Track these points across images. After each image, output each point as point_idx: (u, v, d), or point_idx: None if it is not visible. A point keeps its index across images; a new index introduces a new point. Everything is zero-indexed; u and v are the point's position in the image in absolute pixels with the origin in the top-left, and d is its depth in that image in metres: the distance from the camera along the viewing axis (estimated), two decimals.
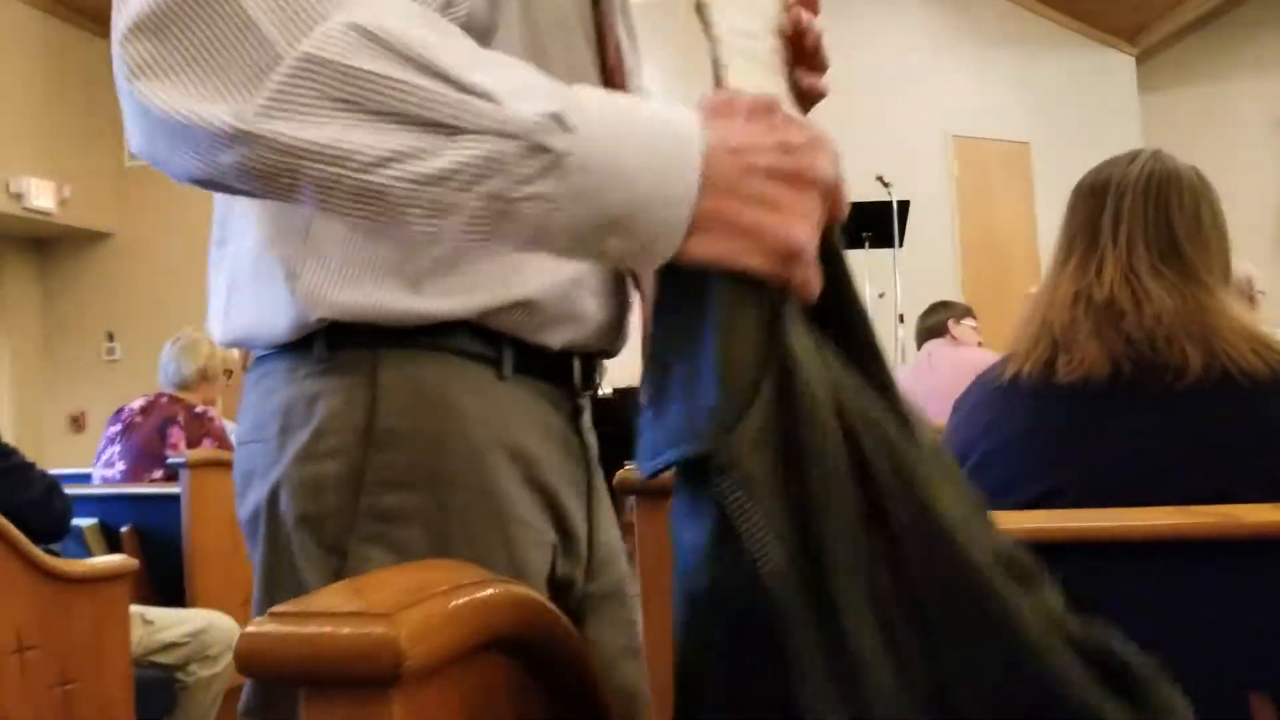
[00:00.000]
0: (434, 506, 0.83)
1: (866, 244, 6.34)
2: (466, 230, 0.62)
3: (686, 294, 0.63)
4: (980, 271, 7.77)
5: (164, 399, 3.46)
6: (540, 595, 0.52)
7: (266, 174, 0.62)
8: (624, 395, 6.56)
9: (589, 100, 0.63)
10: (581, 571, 1.00)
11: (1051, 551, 1.15)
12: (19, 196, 6.99)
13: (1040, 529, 1.14)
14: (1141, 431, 1.24)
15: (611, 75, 0.99)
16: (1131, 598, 1.14)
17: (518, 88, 0.62)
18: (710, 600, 0.56)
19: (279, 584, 0.84)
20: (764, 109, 0.66)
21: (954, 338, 4.18)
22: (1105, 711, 0.57)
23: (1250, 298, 3.50)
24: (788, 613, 0.53)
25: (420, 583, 0.45)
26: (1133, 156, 1.38)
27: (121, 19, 0.63)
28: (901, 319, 6.45)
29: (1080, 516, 1.15)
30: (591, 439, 1.02)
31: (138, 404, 3.49)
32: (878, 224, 6.28)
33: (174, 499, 2.90)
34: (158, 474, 3.31)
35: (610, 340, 1.01)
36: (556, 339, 0.92)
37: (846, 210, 0.67)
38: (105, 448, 3.47)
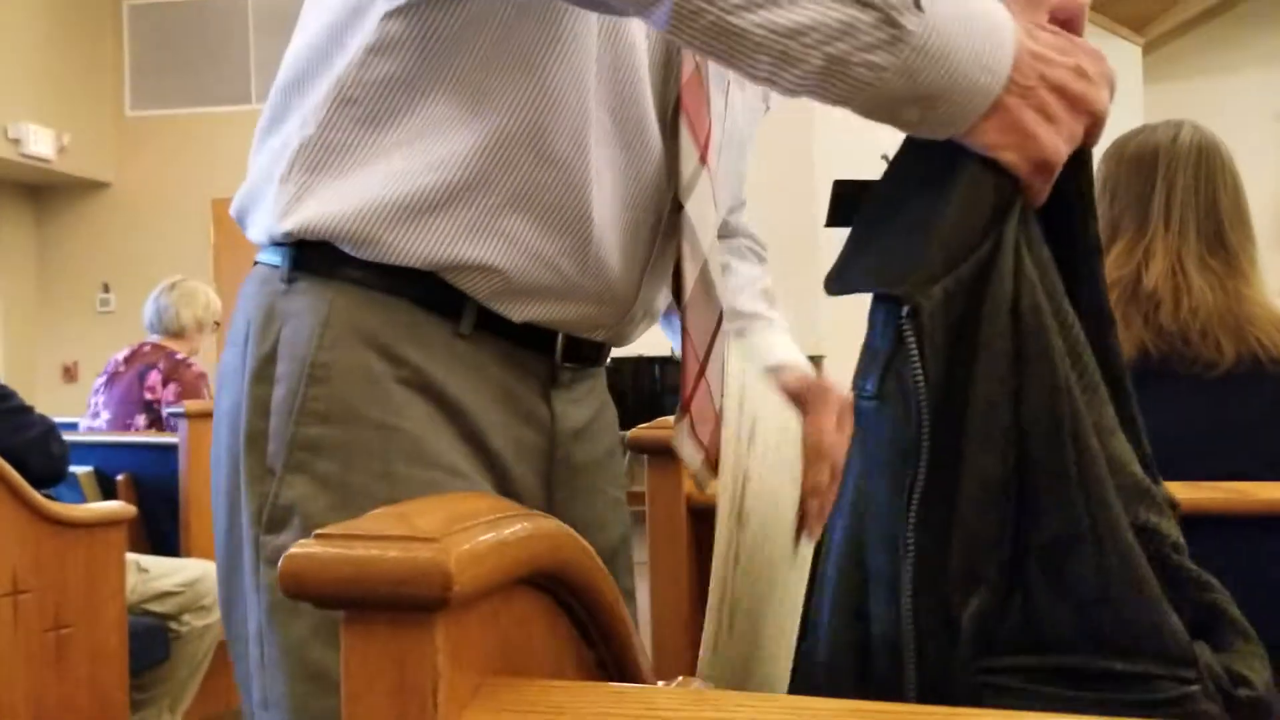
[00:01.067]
0: (356, 443, 0.84)
1: None
2: (798, 81, 0.67)
3: (937, 156, 0.68)
4: None
5: (146, 347, 3.45)
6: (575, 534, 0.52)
7: None
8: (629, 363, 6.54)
9: None
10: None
11: None
12: (17, 142, 6.94)
13: None
14: (1163, 415, 1.23)
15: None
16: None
17: None
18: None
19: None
20: (1075, 16, 0.71)
21: None
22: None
23: None
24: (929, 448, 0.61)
25: (466, 511, 0.44)
26: (1174, 129, 1.35)
27: None
28: None
29: None
30: (574, 412, 0.98)
31: (122, 354, 3.48)
32: None
33: (171, 448, 2.89)
34: (140, 420, 3.30)
35: (604, 331, 0.99)
36: (517, 313, 0.91)
37: (1099, 138, 0.71)
38: (92, 399, 3.47)
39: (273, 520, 0.84)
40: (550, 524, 0.49)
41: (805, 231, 7.17)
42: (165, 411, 3.18)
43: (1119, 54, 8.47)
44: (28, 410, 2.24)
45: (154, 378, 3.35)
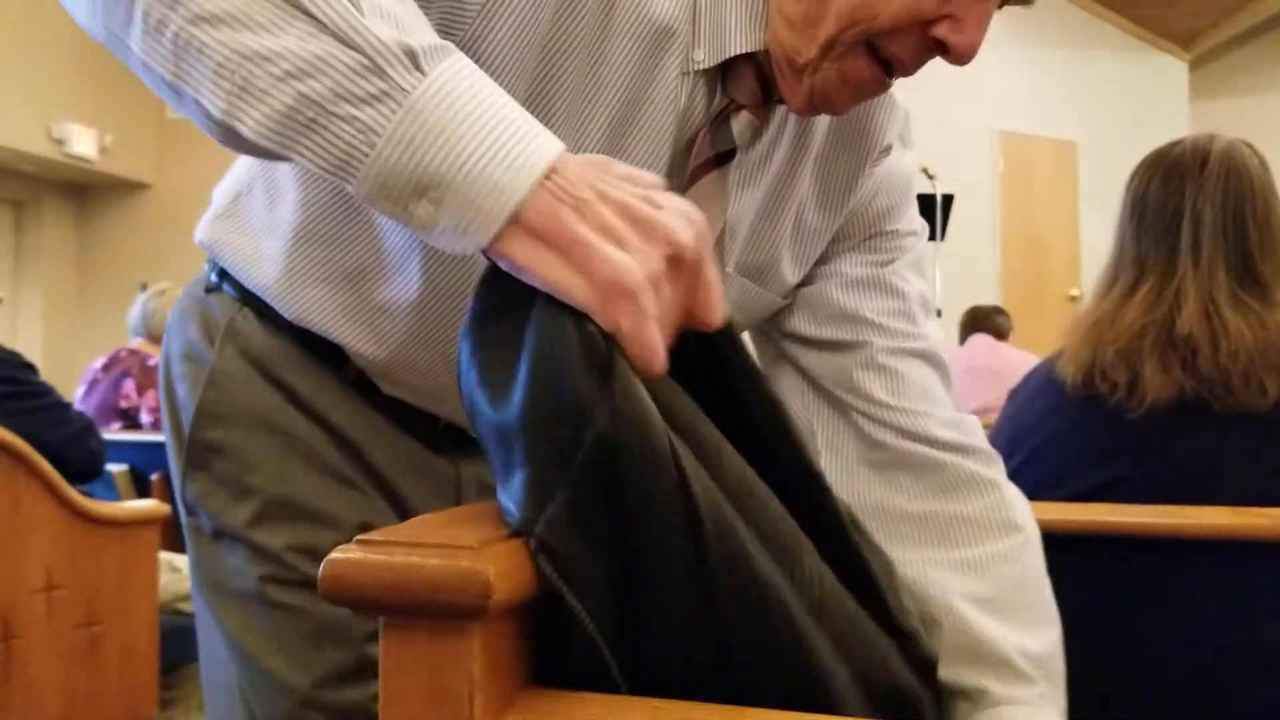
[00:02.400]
0: (252, 446, 0.87)
1: None
2: (265, 125, 0.54)
3: (505, 312, 0.53)
4: (1019, 269, 7.70)
5: (123, 353, 3.47)
6: None
7: None
8: None
9: (460, 62, 0.56)
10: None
11: (1099, 545, 1.13)
12: (61, 142, 7.03)
13: (1091, 522, 1.12)
14: (1203, 444, 1.21)
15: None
16: (1180, 595, 1.12)
17: (393, 12, 0.56)
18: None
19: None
20: (641, 176, 0.58)
21: (998, 338, 4.20)
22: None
23: None
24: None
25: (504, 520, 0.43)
26: (1202, 152, 1.31)
27: None
28: (939, 313, 6.39)
29: (1133, 512, 1.13)
30: (484, 465, 0.94)
31: (100, 362, 3.49)
32: (921, 216, 6.22)
33: None
34: (115, 426, 3.31)
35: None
36: (389, 389, 0.90)
37: (714, 316, 0.57)
38: (78, 406, 3.47)
39: (187, 510, 0.90)
40: None
41: None
42: (146, 419, 3.20)
43: (1165, 70, 8.38)
44: (66, 406, 2.26)
45: (128, 385, 3.36)
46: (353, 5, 0.54)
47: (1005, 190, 7.73)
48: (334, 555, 0.40)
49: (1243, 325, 1.21)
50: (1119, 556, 1.14)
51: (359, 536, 0.41)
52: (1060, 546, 1.15)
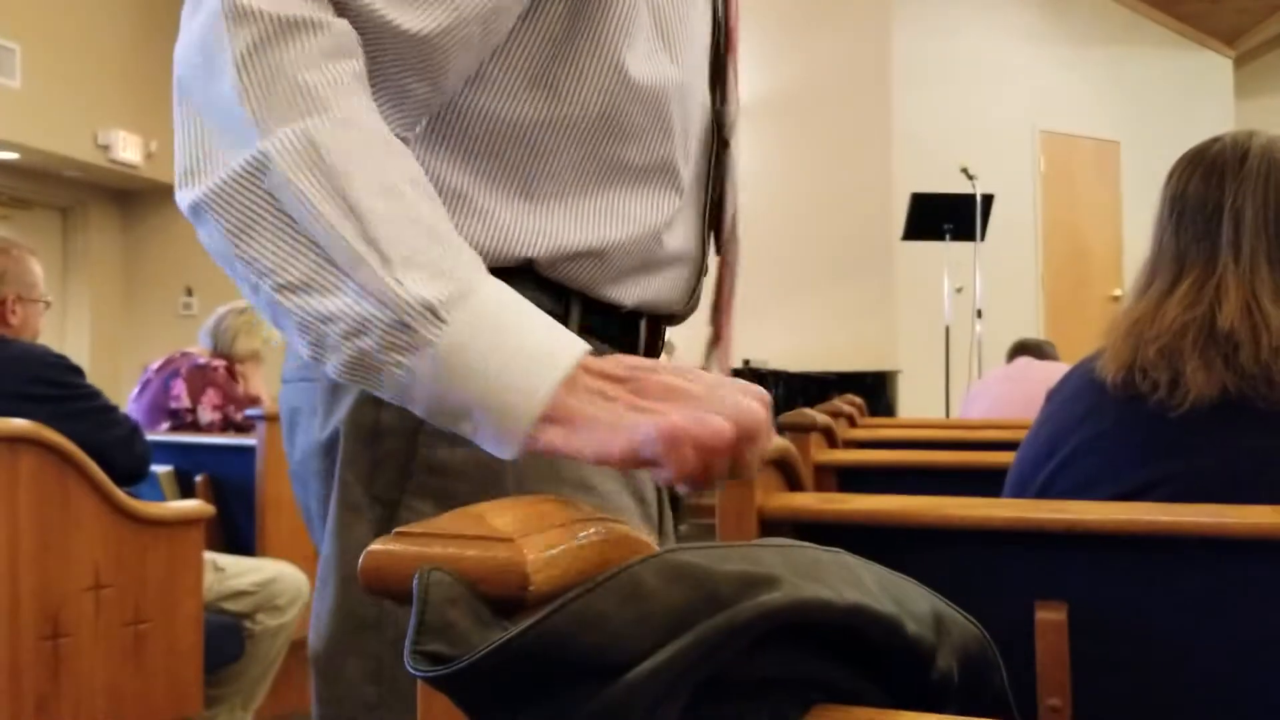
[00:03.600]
0: (487, 461, 0.80)
1: (948, 236, 6.25)
2: (341, 372, 0.66)
3: None
4: (1061, 270, 7.62)
5: (178, 354, 3.50)
6: (650, 541, 0.51)
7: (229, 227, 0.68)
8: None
9: (476, 304, 0.65)
10: (656, 536, 0.98)
11: (1142, 545, 1.12)
12: (106, 148, 7.14)
13: (1134, 521, 1.11)
14: (1247, 442, 1.19)
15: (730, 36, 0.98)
16: (1220, 597, 1.11)
17: (418, 256, 0.65)
18: None
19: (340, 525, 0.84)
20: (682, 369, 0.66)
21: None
22: None
23: None
24: None
25: (541, 513, 0.44)
26: (1242, 147, 1.29)
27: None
28: (980, 314, 6.35)
29: (1178, 511, 1.11)
30: None
31: (155, 364, 3.52)
32: (960, 216, 6.19)
33: (249, 450, 2.94)
34: (164, 426, 3.35)
35: (683, 302, 0.99)
36: (629, 295, 0.90)
37: (755, 460, 0.62)
38: (130, 407, 3.50)
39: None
40: (622, 530, 0.48)
41: (883, 245, 7.12)
42: (207, 417, 3.23)
43: (1209, 68, 8.27)
44: (113, 409, 2.29)
45: (178, 386, 3.40)
46: (384, 264, 0.65)
47: (1047, 190, 7.66)
48: (374, 547, 0.41)
49: None
50: (1164, 556, 1.13)
51: (398, 529, 0.41)
52: (1104, 545, 1.14)
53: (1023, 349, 4.34)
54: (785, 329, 7.35)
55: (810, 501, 1.24)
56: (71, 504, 1.88)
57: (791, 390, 6.35)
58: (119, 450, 2.17)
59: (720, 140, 0.96)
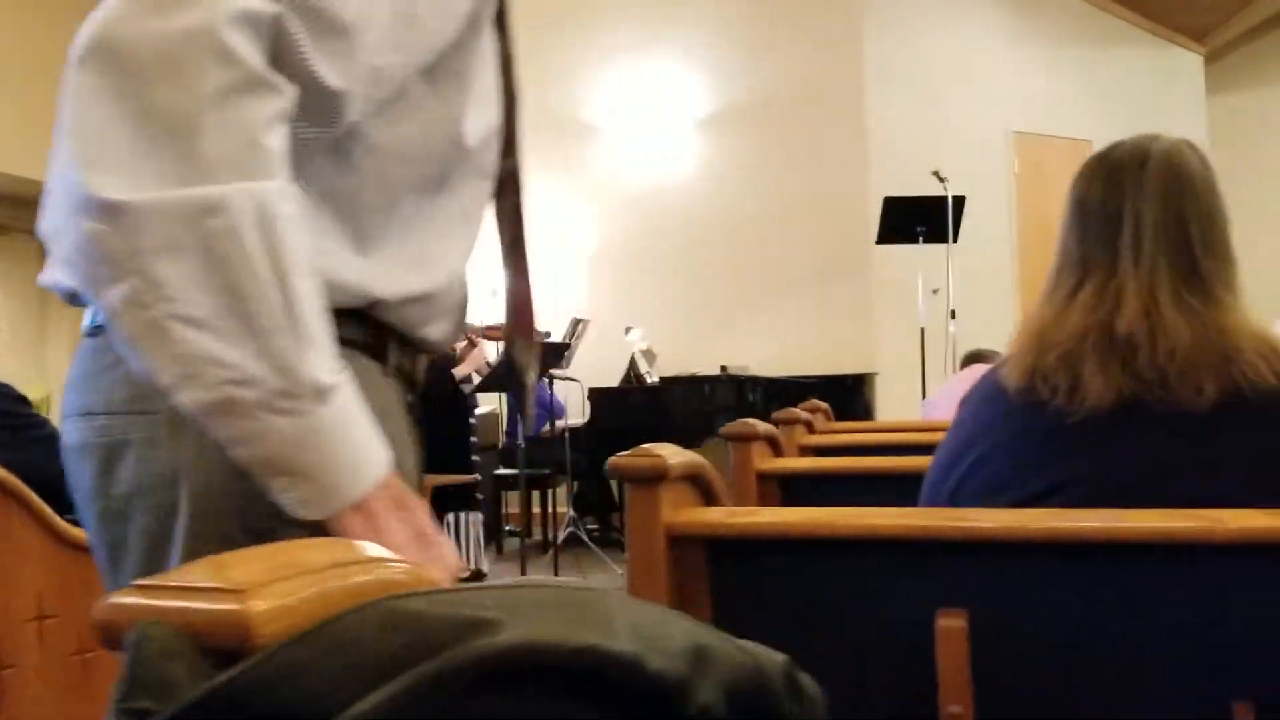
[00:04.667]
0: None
1: (921, 238, 6.27)
2: (201, 408, 0.73)
3: None
4: (1037, 269, 7.63)
5: None
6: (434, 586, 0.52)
7: (103, 257, 0.72)
8: (672, 383, 6.51)
9: (346, 390, 0.78)
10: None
11: (1039, 551, 1.13)
12: None
13: (1026, 528, 1.13)
14: (1142, 445, 1.21)
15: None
16: (1118, 600, 1.12)
17: (319, 342, 0.76)
18: None
19: (166, 564, 0.84)
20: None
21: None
22: None
23: None
24: None
25: (292, 560, 0.45)
26: (1141, 157, 1.30)
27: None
28: (953, 315, 6.36)
29: (1069, 517, 1.13)
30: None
31: None
32: (933, 219, 6.21)
33: None
34: None
35: (456, 338, 1.10)
36: (437, 332, 1.00)
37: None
38: None
39: None
40: (390, 575, 0.49)
41: (859, 248, 7.13)
42: None
43: (1180, 64, 8.31)
44: (58, 437, 2.30)
45: None
46: (297, 341, 0.74)
47: (1021, 191, 7.69)
48: (109, 601, 0.42)
49: (1181, 324, 1.21)
50: (1061, 561, 1.15)
51: (136, 581, 0.42)
52: (1002, 552, 1.15)
53: (975, 358, 4.36)
54: (763, 334, 7.37)
55: (717, 516, 1.25)
56: (13, 534, 1.88)
57: (770, 395, 6.36)
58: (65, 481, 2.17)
59: (514, 188, 1.08)
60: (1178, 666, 1.11)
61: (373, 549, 0.51)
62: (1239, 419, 1.17)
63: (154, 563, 0.84)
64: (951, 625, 1.16)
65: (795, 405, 3.11)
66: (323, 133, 0.83)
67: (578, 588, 0.49)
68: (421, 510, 0.84)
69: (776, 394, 6.29)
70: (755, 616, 1.26)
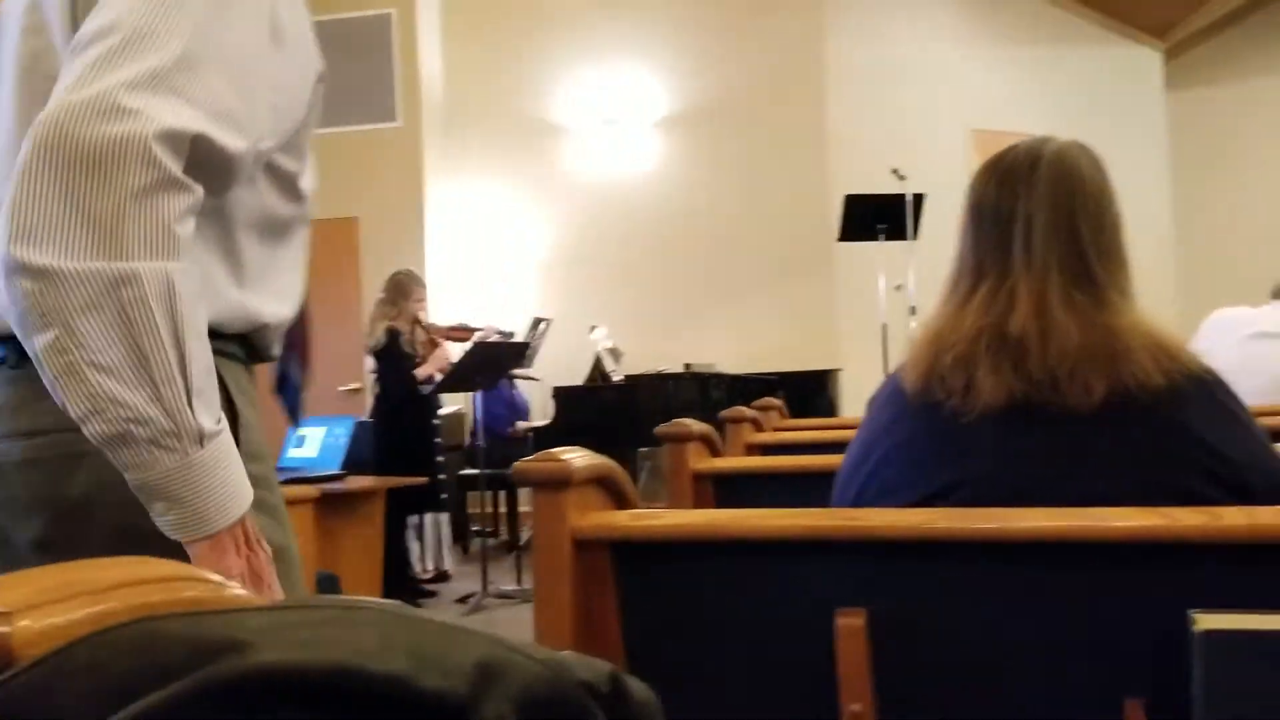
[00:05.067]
0: (269, 474, 1.15)
1: (882, 235, 6.30)
2: (98, 434, 0.90)
3: None
4: None
5: None
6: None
7: (33, 307, 0.88)
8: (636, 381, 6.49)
9: (223, 436, 0.96)
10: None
11: (934, 551, 1.15)
12: None
13: (920, 528, 1.14)
14: (1033, 445, 1.22)
15: None
16: (1011, 599, 1.13)
17: (205, 394, 0.94)
18: None
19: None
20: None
21: None
22: None
23: None
24: None
25: (73, 580, 0.45)
26: (1032, 160, 1.32)
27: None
28: (914, 311, 6.40)
29: (960, 517, 1.14)
30: None
31: None
32: (893, 216, 6.23)
33: None
34: None
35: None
36: (276, 349, 1.22)
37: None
38: None
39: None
40: (203, 592, 0.49)
41: (821, 246, 7.16)
42: None
43: (1140, 61, 8.38)
44: None
45: None
46: (186, 392, 0.91)
47: None
48: None
49: (1071, 325, 1.22)
50: (954, 560, 1.16)
51: None
52: (897, 552, 1.17)
53: None
54: (728, 331, 7.39)
55: (623, 520, 1.26)
56: None
57: (734, 392, 6.37)
58: None
59: None
60: (1070, 664, 1.13)
61: (183, 568, 0.52)
62: (1127, 418, 1.19)
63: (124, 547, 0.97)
64: (851, 624, 1.17)
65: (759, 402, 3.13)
66: (218, 201, 1.04)
67: (360, 605, 0.49)
68: (265, 555, 1.01)
69: (740, 391, 6.31)
70: (662, 619, 1.27)
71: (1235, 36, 8.62)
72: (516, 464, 1.25)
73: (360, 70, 7.39)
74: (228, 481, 0.96)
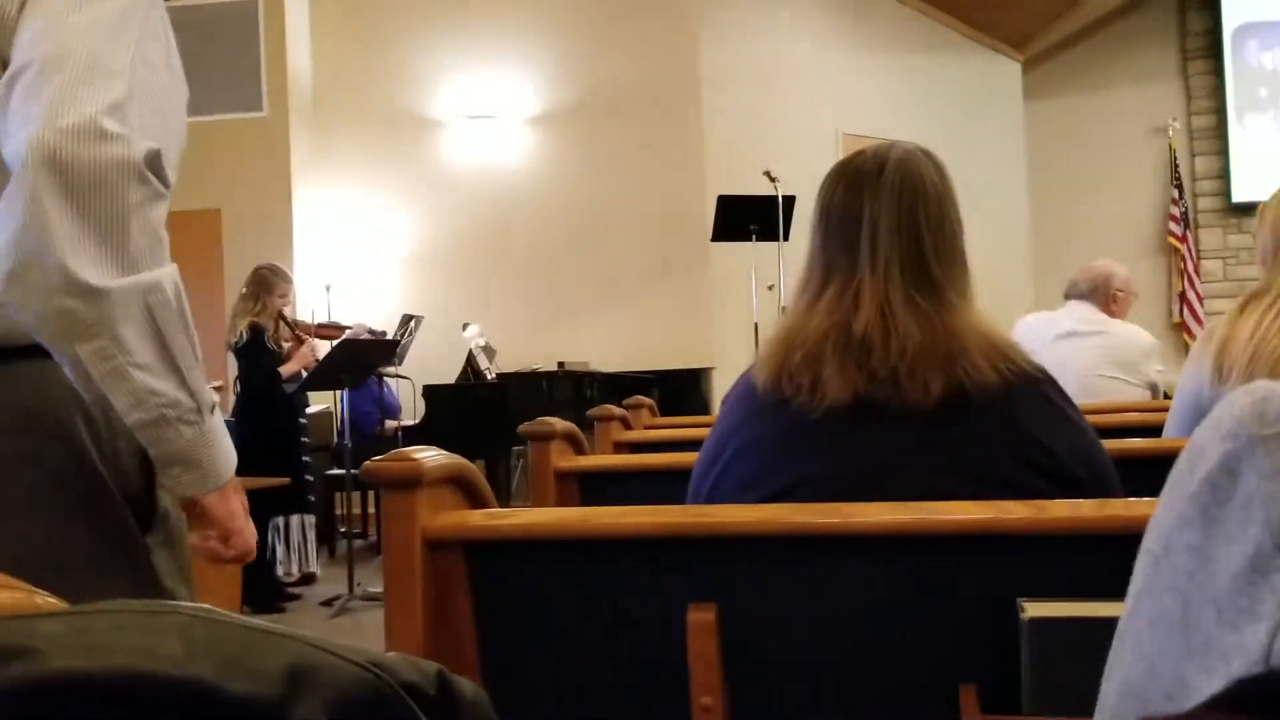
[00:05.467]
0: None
1: (754, 236, 6.39)
2: (140, 421, 1.09)
3: None
4: None
5: None
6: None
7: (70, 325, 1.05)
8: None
9: (218, 414, 1.18)
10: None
11: (780, 545, 1.17)
12: None
13: (765, 523, 1.16)
14: (876, 442, 1.26)
15: None
16: (853, 591, 1.17)
17: (200, 369, 1.14)
18: None
19: None
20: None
21: None
22: None
23: (1112, 296, 3.61)
24: None
25: None
26: (879, 165, 1.36)
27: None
28: (784, 310, 6.51)
29: (805, 512, 1.17)
30: None
31: None
32: (765, 217, 6.33)
33: None
34: None
35: None
36: None
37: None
38: None
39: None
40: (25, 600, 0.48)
41: (697, 245, 7.23)
42: None
43: (1000, 71, 8.68)
44: None
45: None
46: (201, 375, 1.13)
47: None
48: None
49: (912, 324, 1.26)
50: (799, 554, 1.19)
51: None
52: (745, 547, 1.19)
53: None
54: (603, 330, 7.41)
55: (475, 519, 1.26)
56: None
57: (607, 390, 6.39)
58: None
59: None
60: (909, 652, 1.17)
61: None
62: (963, 415, 1.23)
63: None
64: (701, 619, 1.19)
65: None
66: None
67: (164, 609, 0.48)
68: (243, 496, 1.25)
69: (615, 389, 6.33)
70: (516, 618, 1.27)
71: (1086, 51, 9.01)
72: (367, 463, 1.24)
73: (224, 58, 7.17)
74: (225, 445, 1.19)
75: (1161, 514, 0.48)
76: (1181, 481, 0.47)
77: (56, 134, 1.00)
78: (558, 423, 2.13)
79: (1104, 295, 3.61)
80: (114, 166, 1.02)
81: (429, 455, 1.25)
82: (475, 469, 1.32)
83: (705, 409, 6.75)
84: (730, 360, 7.04)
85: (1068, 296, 3.71)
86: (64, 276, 1.01)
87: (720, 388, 6.96)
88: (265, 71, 7.34)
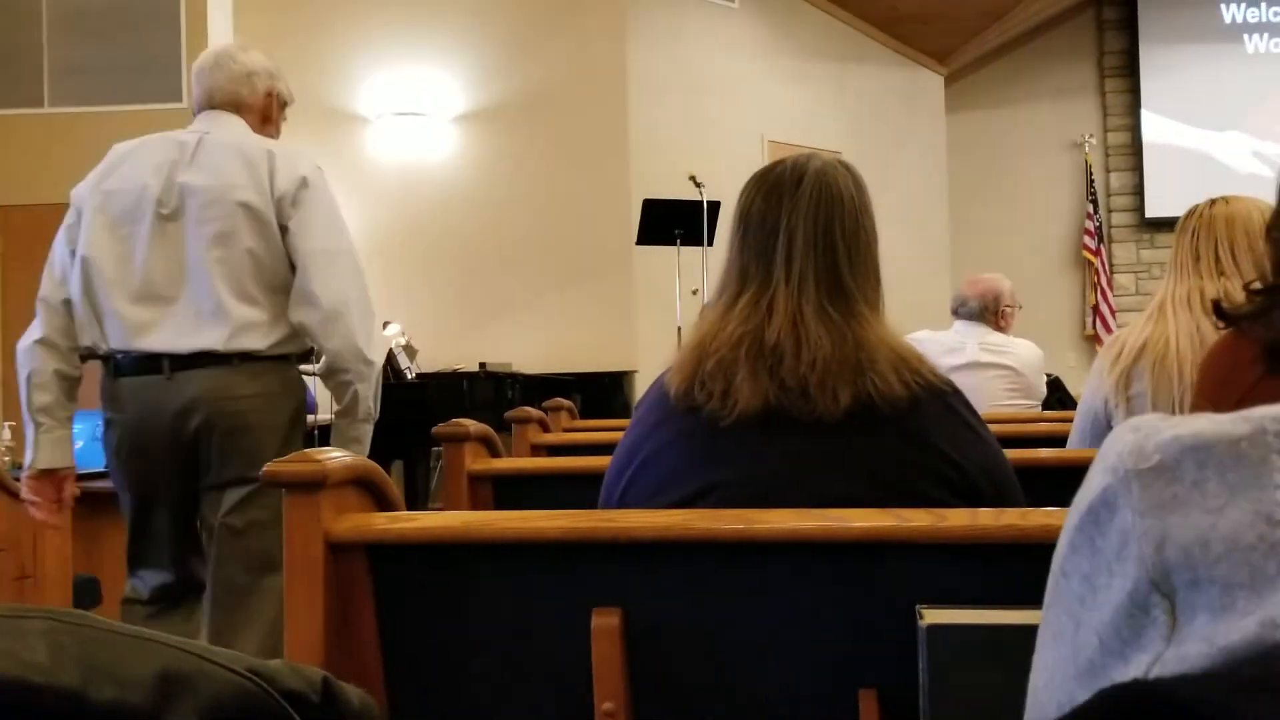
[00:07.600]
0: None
1: (678, 240, 6.41)
2: (370, 417, 2.48)
3: None
4: None
5: None
6: None
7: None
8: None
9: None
10: None
11: (686, 551, 1.18)
12: None
13: (671, 529, 1.16)
14: (785, 449, 1.27)
15: None
16: (756, 597, 1.17)
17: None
18: None
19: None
20: None
21: None
22: None
23: (1000, 313, 3.66)
24: None
25: None
26: (798, 176, 1.36)
27: None
28: (701, 314, 6.53)
29: (711, 518, 1.17)
30: None
31: None
32: (690, 222, 6.35)
33: None
34: None
35: None
36: None
37: None
38: None
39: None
40: None
41: (621, 249, 7.23)
42: None
43: (924, 83, 8.82)
44: None
45: None
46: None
47: None
48: None
49: (824, 335, 1.27)
50: (706, 560, 1.19)
51: None
52: (652, 552, 1.19)
53: None
54: (526, 331, 7.37)
55: (379, 522, 1.24)
56: None
57: (529, 392, 6.36)
58: None
59: None
60: (811, 657, 1.18)
61: None
62: (870, 427, 1.25)
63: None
64: (606, 624, 1.18)
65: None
66: None
67: (30, 614, 0.46)
68: None
69: (536, 391, 6.30)
70: (420, 622, 1.25)
71: (1008, 65, 9.19)
72: (268, 465, 1.21)
73: (143, 46, 7.01)
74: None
75: (1062, 535, 0.49)
76: (1077, 507, 0.48)
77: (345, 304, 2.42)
78: (472, 424, 2.11)
79: (993, 314, 3.68)
80: (358, 294, 2.47)
81: (333, 456, 1.23)
82: (381, 470, 1.30)
83: (627, 412, 6.74)
84: (653, 364, 7.05)
85: (956, 314, 3.75)
86: (368, 357, 2.41)
87: (643, 391, 6.95)
88: (186, 62, 7.19)
